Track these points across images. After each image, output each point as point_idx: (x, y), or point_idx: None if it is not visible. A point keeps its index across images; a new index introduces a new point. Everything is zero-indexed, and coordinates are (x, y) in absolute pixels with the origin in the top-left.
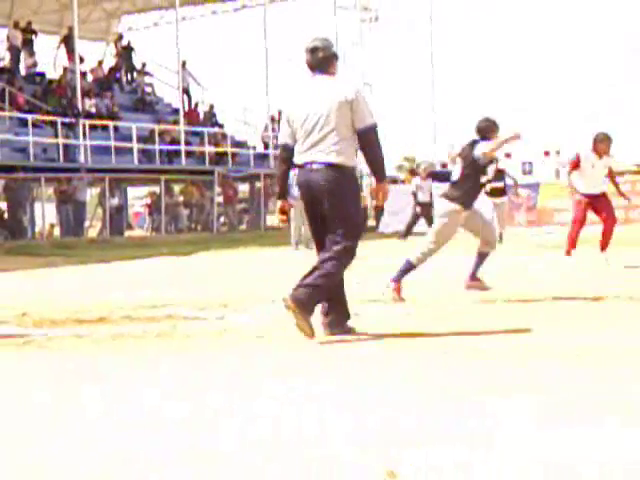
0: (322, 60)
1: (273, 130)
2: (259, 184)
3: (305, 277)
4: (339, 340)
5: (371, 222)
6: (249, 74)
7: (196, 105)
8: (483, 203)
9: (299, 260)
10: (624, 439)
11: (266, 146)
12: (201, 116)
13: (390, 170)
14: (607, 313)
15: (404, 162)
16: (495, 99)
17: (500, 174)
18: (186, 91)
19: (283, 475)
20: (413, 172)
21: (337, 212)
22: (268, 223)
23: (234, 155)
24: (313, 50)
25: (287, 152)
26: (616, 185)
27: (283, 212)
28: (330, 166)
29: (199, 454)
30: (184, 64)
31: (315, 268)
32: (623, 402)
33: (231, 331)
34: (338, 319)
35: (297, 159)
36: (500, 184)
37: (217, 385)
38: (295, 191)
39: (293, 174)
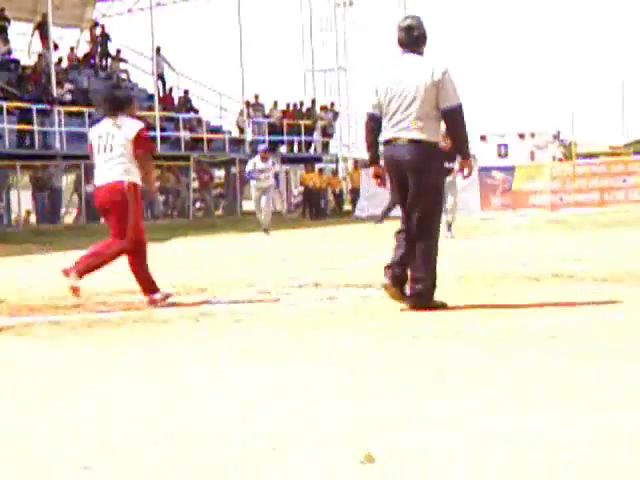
0: (415, 39)
1: (248, 115)
2: (234, 169)
3: (407, 264)
4: (319, 325)
5: (347, 207)
6: (224, 59)
7: (170, 90)
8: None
9: (274, 244)
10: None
11: (241, 131)
12: (176, 102)
13: (366, 154)
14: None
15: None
16: (469, 81)
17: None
18: (161, 77)
19: (254, 458)
20: None
21: (419, 186)
22: (244, 208)
23: (209, 141)
24: (408, 29)
25: (374, 122)
26: None
27: (377, 176)
28: (414, 142)
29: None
30: (158, 50)
31: (411, 251)
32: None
33: (208, 316)
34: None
35: (384, 135)
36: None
37: (188, 369)
38: (257, 180)
39: (253, 162)
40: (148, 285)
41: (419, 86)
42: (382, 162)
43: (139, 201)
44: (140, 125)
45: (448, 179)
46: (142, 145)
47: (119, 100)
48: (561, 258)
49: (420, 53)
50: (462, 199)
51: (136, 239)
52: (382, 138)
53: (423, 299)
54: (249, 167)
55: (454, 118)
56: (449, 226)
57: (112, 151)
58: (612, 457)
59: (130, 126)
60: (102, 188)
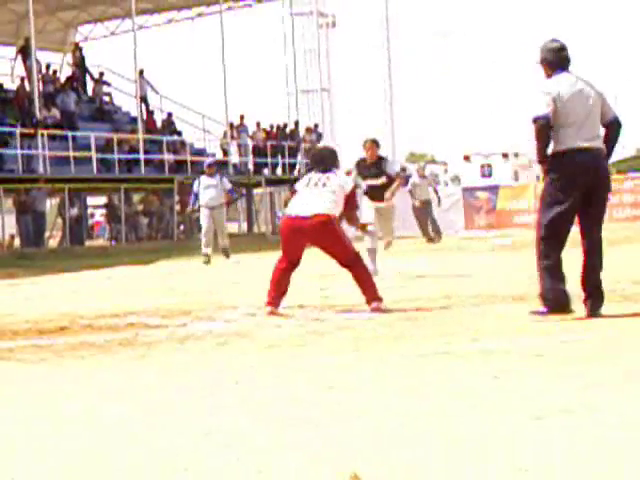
0: (567, 59)
1: (232, 137)
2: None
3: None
4: (304, 346)
5: None
6: (207, 82)
7: (152, 113)
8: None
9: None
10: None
11: (225, 153)
12: (159, 124)
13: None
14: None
15: None
16: (453, 103)
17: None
18: (144, 99)
19: None
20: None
21: (605, 199)
22: (229, 230)
23: (193, 163)
24: (561, 49)
25: (549, 125)
26: None
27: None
28: (601, 150)
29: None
30: (141, 72)
31: (590, 264)
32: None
33: (193, 338)
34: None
35: (569, 144)
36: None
37: (173, 392)
38: (204, 198)
39: (197, 182)
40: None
41: (596, 100)
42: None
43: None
44: (352, 184)
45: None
46: (353, 202)
47: (334, 157)
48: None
49: (571, 72)
50: (446, 219)
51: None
52: (570, 145)
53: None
54: (194, 187)
55: (617, 127)
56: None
57: (324, 187)
58: None
59: (347, 180)
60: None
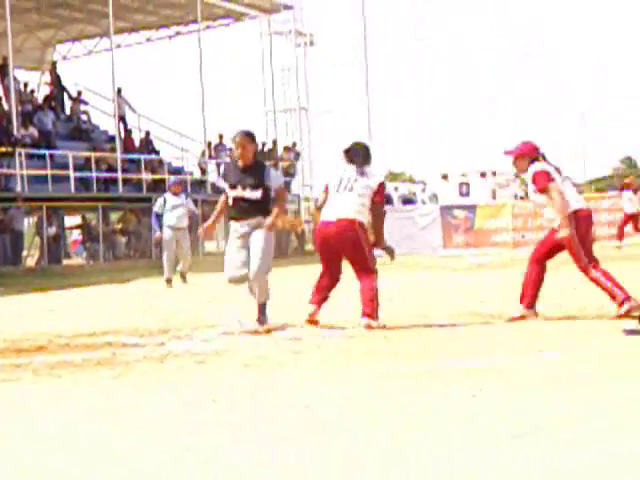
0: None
1: (210, 156)
2: (196, 211)
3: None
4: (284, 365)
5: (309, 246)
6: (185, 101)
7: (130, 132)
8: None
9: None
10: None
11: (203, 172)
12: (137, 143)
13: None
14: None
15: None
16: (431, 120)
17: None
18: (122, 118)
19: None
20: None
21: None
22: (206, 249)
23: None
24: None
25: None
26: None
27: None
28: None
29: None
30: (119, 91)
31: None
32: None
33: (171, 357)
34: None
35: None
36: None
37: (152, 410)
38: (170, 218)
39: (162, 198)
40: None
41: None
42: None
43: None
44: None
45: None
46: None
47: (367, 153)
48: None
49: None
50: (424, 237)
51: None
52: None
53: None
54: (156, 207)
55: None
56: None
57: (352, 191)
58: None
59: (375, 177)
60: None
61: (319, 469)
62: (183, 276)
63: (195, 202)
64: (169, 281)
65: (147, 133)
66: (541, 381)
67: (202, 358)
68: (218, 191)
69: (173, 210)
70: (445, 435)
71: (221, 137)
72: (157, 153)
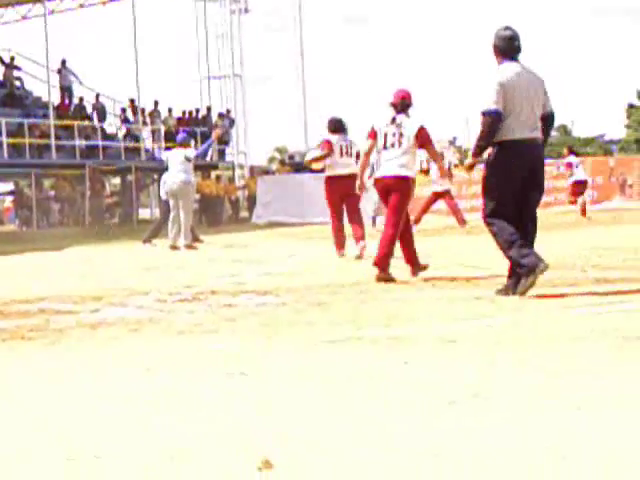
0: (516, 48)
1: (144, 123)
2: (130, 177)
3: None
4: (216, 332)
5: (244, 213)
6: (119, 67)
7: (81, 100)
8: None
9: (171, 253)
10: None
11: (137, 139)
12: (71, 109)
13: (262, 161)
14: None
15: (276, 153)
16: (366, 90)
17: None
18: (68, 89)
19: (152, 467)
20: (284, 163)
21: (542, 186)
22: (140, 216)
23: (105, 148)
24: (513, 38)
25: (500, 120)
26: None
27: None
28: (539, 140)
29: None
30: (64, 62)
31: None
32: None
33: (105, 325)
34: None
35: (512, 134)
36: None
37: (83, 379)
38: (166, 188)
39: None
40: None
41: (540, 89)
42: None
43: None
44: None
45: None
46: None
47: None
48: (458, 263)
49: (519, 62)
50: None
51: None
52: (515, 136)
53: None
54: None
55: (553, 121)
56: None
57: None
58: None
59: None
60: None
61: (255, 438)
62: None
63: (128, 169)
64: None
65: (81, 99)
66: (477, 347)
67: (136, 326)
68: (153, 158)
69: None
70: (376, 401)
71: (156, 104)
72: (91, 120)
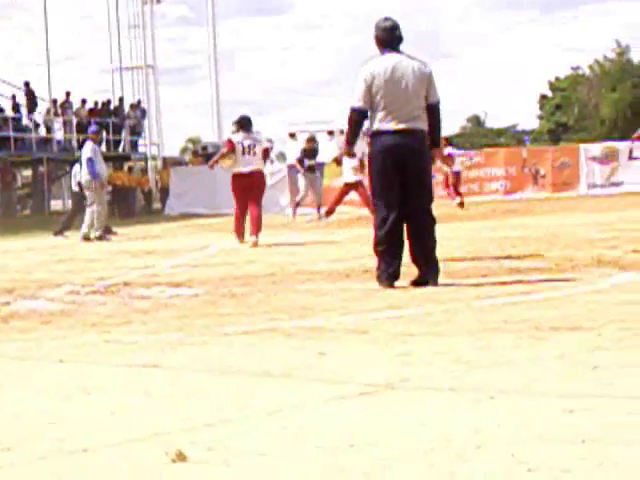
0: (399, 39)
1: (56, 114)
2: (42, 169)
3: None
4: (129, 323)
5: (156, 205)
6: (30, 57)
7: None
8: None
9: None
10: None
11: (49, 130)
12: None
13: (174, 152)
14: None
15: (189, 144)
16: (279, 80)
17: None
18: None
19: (64, 459)
20: (197, 154)
21: (418, 175)
22: (52, 208)
23: (17, 140)
24: (393, 28)
25: (363, 117)
26: None
27: (362, 166)
28: (416, 131)
29: None
30: None
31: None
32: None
33: (17, 317)
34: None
35: (380, 126)
36: None
37: None
38: (103, 170)
39: (92, 148)
40: None
41: (416, 82)
42: (368, 151)
43: None
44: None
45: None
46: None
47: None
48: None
49: (400, 52)
50: (272, 197)
51: None
52: (379, 127)
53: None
54: (91, 153)
55: (438, 111)
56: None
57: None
58: None
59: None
60: None
61: (168, 431)
62: (108, 227)
63: (40, 160)
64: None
65: (26, 83)
66: (391, 338)
67: (48, 318)
68: (65, 149)
69: (101, 159)
70: (288, 392)
71: (68, 95)
72: (1, 111)
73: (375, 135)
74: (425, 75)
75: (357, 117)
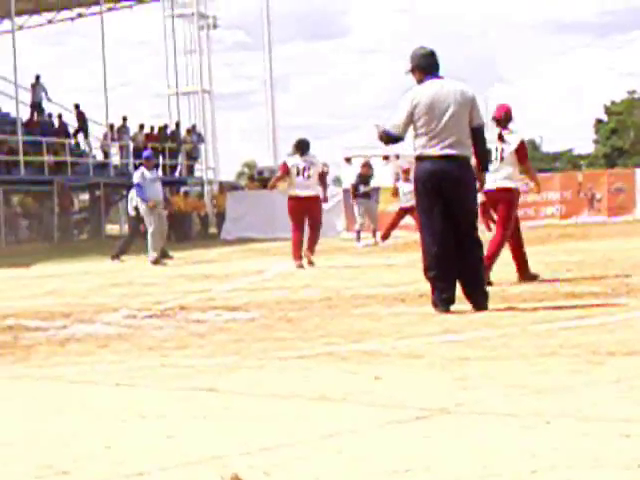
0: (436, 65)
1: (113, 139)
2: (99, 193)
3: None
4: (185, 347)
5: (212, 229)
6: (88, 83)
7: (50, 116)
8: None
9: (139, 269)
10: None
11: (106, 155)
12: (40, 126)
13: (230, 177)
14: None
15: (245, 169)
16: (336, 104)
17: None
18: (39, 105)
19: None
20: (253, 179)
21: (464, 201)
22: (108, 232)
23: (74, 164)
24: (432, 54)
25: (394, 142)
26: None
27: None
28: (458, 157)
29: None
30: (38, 78)
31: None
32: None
33: (74, 341)
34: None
35: (423, 151)
36: None
37: (50, 394)
38: (152, 193)
39: (140, 174)
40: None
41: (458, 107)
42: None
43: None
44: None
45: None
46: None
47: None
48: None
49: (441, 77)
50: (328, 220)
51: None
52: (421, 153)
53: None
54: (137, 178)
55: (483, 134)
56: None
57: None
58: None
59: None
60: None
61: (225, 455)
62: (165, 253)
63: (97, 185)
64: (158, 261)
65: (49, 115)
66: (446, 363)
67: (105, 342)
68: (121, 173)
69: (153, 184)
70: (347, 416)
71: (125, 120)
72: (59, 136)
73: (419, 160)
74: (468, 99)
75: (387, 140)
